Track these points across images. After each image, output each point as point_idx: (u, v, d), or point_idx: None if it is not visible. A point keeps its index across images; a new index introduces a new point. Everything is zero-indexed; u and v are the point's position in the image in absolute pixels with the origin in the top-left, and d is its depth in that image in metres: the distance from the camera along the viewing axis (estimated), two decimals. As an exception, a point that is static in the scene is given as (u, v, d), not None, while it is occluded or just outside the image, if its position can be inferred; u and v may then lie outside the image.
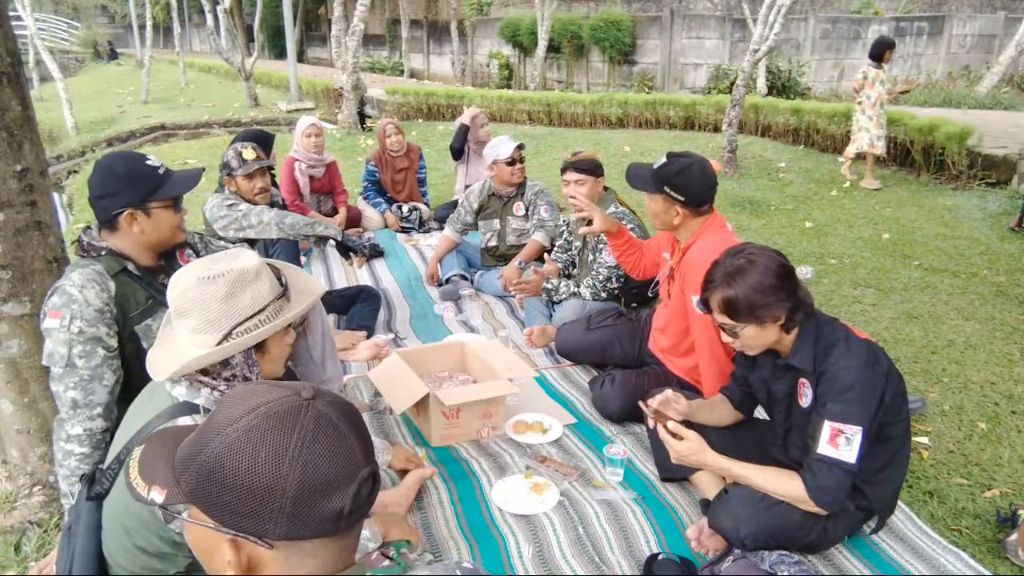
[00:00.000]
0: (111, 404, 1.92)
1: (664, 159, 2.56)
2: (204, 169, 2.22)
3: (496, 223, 4.18)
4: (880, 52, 6.51)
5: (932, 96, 10.81)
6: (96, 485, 1.54)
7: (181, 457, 0.86)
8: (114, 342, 1.94)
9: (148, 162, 2.01)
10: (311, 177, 5.04)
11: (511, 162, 4.00)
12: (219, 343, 1.44)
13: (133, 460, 0.95)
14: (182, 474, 0.84)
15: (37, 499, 2.36)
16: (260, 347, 1.53)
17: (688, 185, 2.51)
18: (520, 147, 4.04)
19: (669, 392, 2.24)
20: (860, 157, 6.88)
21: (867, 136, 6.61)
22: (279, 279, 1.54)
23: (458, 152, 5.62)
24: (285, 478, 0.79)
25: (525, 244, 4.15)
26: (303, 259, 4.70)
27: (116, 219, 1.96)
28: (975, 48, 14.02)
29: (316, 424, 0.83)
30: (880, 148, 6.65)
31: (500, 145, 4.06)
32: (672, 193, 2.51)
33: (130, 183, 1.95)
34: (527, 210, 4.11)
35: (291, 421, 0.82)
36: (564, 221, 3.90)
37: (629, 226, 3.29)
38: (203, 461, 0.82)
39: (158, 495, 0.89)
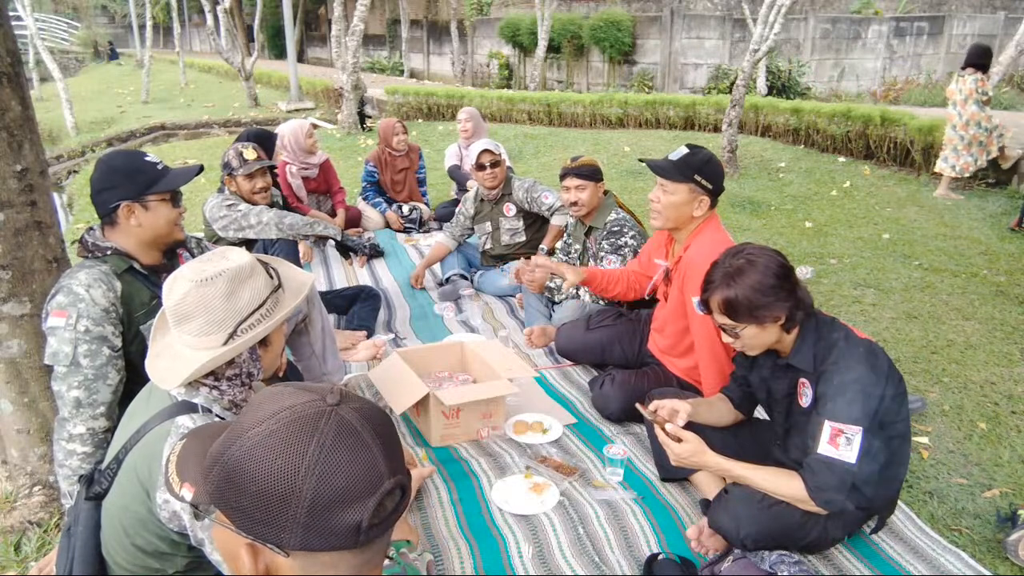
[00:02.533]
0: (114, 404, 1.93)
1: (685, 149, 2.54)
2: (203, 167, 2.23)
3: (488, 226, 4.20)
4: (988, 61, 6.04)
5: (932, 96, 10.81)
6: (95, 485, 1.54)
7: (209, 456, 0.83)
8: (119, 342, 1.95)
9: (147, 158, 2.05)
10: (305, 178, 5.03)
11: (480, 167, 4.01)
12: (225, 343, 1.44)
13: (173, 454, 0.96)
14: (207, 474, 0.82)
15: (37, 499, 2.36)
16: (263, 341, 1.53)
17: (716, 175, 2.53)
18: (486, 152, 4.00)
19: (666, 404, 2.20)
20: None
21: (977, 150, 6.10)
22: (269, 273, 1.54)
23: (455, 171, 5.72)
24: (300, 487, 0.76)
25: (520, 243, 4.16)
26: (303, 259, 4.70)
27: (115, 213, 1.99)
28: (975, 48, 14.00)
29: (337, 432, 0.78)
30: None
31: (472, 150, 4.08)
32: (703, 182, 2.50)
33: (128, 177, 1.99)
34: (524, 208, 4.10)
35: (311, 428, 0.78)
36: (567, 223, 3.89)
37: (630, 233, 3.28)
38: (225, 463, 0.79)
39: (187, 493, 0.88)
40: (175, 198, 2.07)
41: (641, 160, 2.70)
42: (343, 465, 0.77)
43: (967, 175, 6.27)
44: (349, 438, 0.79)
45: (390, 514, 0.80)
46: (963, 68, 6.08)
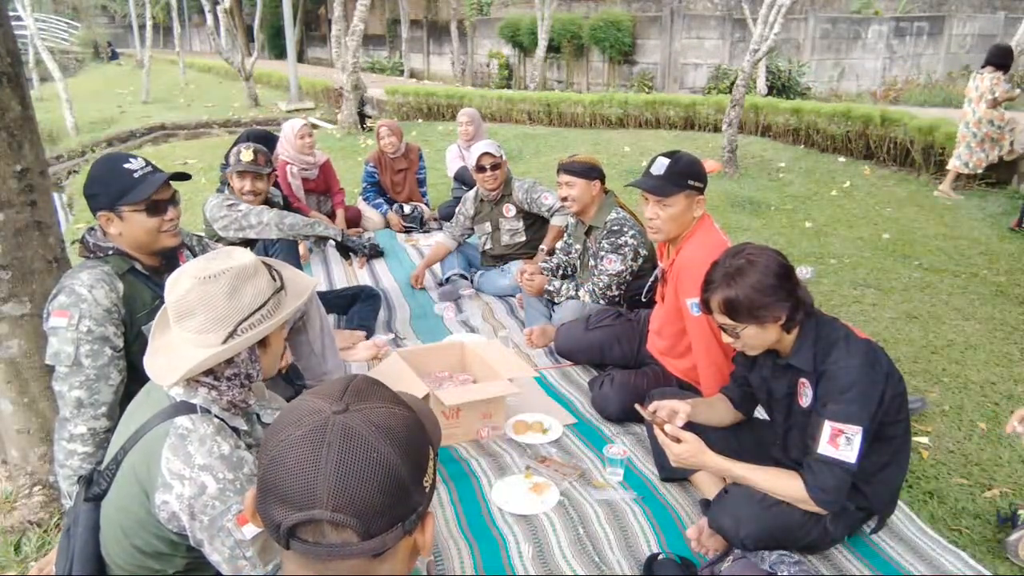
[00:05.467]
0: (115, 404, 1.92)
1: (666, 160, 2.52)
2: (182, 175, 2.18)
3: (488, 226, 4.20)
4: (1009, 61, 6.06)
5: (932, 96, 10.80)
6: (94, 486, 1.54)
7: None
8: (121, 342, 1.95)
9: (126, 165, 1.97)
10: (304, 179, 5.03)
11: (480, 169, 4.01)
12: (224, 341, 1.43)
13: None
14: None
15: (37, 499, 2.36)
16: (262, 342, 1.53)
17: (702, 171, 2.55)
18: (487, 154, 3.98)
19: (665, 405, 2.19)
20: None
21: (989, 146, 6.13)
22: (272, 274, 1.54)
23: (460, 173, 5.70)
24: (261, 455, 0.82)
25: (520, 243, 4.16)
26: (303, 260, 4.69)
27: (97, 219, 1.99)
28: (975, 48, 13.99)
29: (308, 433, 0.79)
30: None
31: (473, 152, 4.07)
32: (696, 183, 2.52)
33: (103, 186, 1.97)
34: (524, 209, 4.10)
35: (301, 416, 0.81)
36: (567, 224, 3.88)
37: (631, 232, 3.27)
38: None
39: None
40: (153, 207, 1.98)
41: (628, 185, 2.69)
42: (290, 465, 0.79)
43: (980, 171, 6.28)
44: (312, 446, 0.79)
45: (319, 546, 0.79)
46: (983, 66, 6.10)
